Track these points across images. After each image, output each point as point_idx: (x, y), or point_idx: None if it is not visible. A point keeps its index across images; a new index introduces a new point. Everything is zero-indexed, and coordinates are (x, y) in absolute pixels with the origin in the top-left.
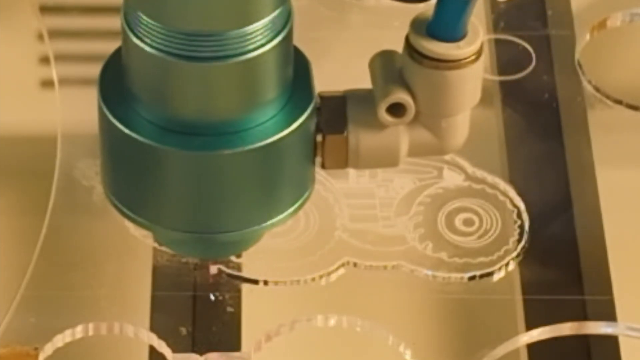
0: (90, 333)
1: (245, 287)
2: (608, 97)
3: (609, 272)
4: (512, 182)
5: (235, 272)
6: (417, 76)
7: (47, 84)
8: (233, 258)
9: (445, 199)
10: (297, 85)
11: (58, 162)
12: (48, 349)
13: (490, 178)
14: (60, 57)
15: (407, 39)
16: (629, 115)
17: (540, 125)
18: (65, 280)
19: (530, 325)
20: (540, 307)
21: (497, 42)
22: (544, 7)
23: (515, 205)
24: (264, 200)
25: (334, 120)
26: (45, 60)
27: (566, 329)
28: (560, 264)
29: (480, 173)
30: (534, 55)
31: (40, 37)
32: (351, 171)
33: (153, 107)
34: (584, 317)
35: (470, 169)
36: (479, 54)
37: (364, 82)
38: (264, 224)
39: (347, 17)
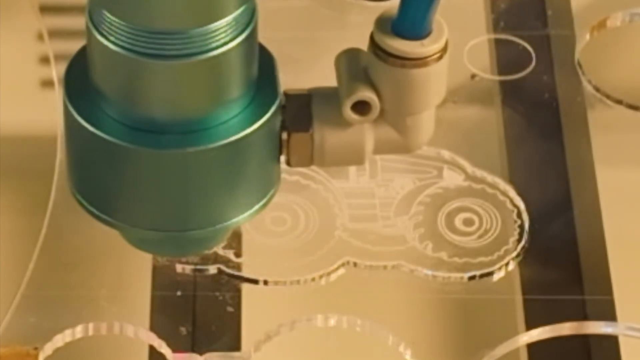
0: (90, 333)
1: (245, 287)
2: (608, 97)
3: (609, 272)
4: (512, 182)
5: (235, 272)
6: (382, 74)
7: (47, 84)
8: (233, 258)
9: (445, 199)
10: (262, 83)
11: (58, 162)
12: (48, 349)
13: (490, 178)
14: (60, 57)
15: (371, 37)
16: (629, 115)
17: (540, 125)
18: (65, 280)
19: (530, 325)
20: (540, 307)
21: (497, 42)
22: (544, 7)
23: (515, 205)
24: (229, 198)
25: (299, 118)
26: (45, 60)
27: (566, 329)
28: (560, 264)
29: (480, 173)
30: (534, 55)
31: (40, 37)
32: (351, 171)
33: (118, 105)
34: (584, 317)
35: (470, 169)
36: (443, 51)
37: None
38: (230, 222)
39: (347, 17)
